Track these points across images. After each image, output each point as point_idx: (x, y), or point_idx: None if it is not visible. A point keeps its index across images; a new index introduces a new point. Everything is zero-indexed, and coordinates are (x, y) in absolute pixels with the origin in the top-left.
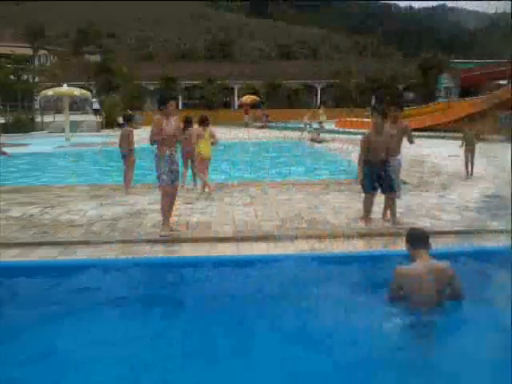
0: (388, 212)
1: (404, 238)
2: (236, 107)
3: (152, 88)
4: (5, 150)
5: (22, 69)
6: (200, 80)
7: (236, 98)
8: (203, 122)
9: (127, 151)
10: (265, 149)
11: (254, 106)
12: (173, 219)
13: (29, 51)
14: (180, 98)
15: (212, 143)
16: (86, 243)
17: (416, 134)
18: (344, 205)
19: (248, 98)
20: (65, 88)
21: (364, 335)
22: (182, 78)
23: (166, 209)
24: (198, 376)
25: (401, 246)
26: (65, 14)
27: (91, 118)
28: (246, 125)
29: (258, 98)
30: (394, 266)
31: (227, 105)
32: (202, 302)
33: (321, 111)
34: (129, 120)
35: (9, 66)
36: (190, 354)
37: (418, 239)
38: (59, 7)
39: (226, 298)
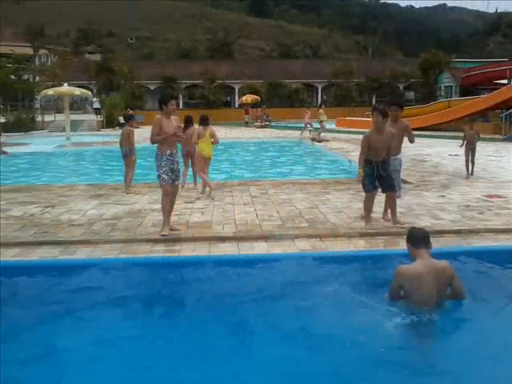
0: (388, 211)
1: (404, 238)
2: (236, 106)
3: (152, 87)
4: (5, 149)
5: (22, 68)
6: (200, 79)
7: (236, 98)
8: (204, 122)
9: (128, 150)
10: (265, 148)
11: (254, 105)
12: (173, 219)
13: (29, 51)
14: (180, 97)
15: (212, 143)
16: (87, 243)
17: (417, 133)
18: (344, 204)
19: (248, 98)
20: (65, 87)
21: (364, 334)
22: (182, 78)
23: (167, 208)
24: (198, 376)
25: (401, 245)
26: (65, 14)
27: (92, 118)
28: (247, 124)
29: (258, 98)
30: (394, 266)
31: (227, 104)
32: (202, 302)
33: (321, 111)
34: (129, 119)
35: (9, 65)
36: (190, 353)
37: (418, 239)
38: (60, 7)
39: (227, 298)
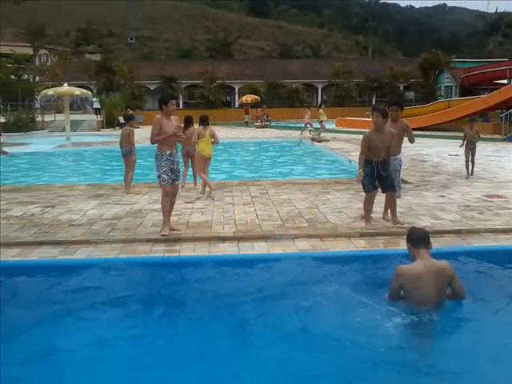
0: (388, 211)
1: (404, 238)
2: (236, 106)
3: (152, 87)
4: (5, 149)
5: (22, 68)
6: (200, 79)
7: (236, 98)
8: (204, 122)
9: (128, 150)
10: (265, 148)
11: (254, 105)
12: (173, 219)
13: (29, 51)
14: (180, 97)
15: (212, 143)
16: (87, 243)
17: (417, 133)
18: (344, 204)
19: (248, 98)
20: (65, 87)
21: (364, 334)
22: (182, 78)
23: (167, 208)
24: (198, 376)
25: (401, 245)
26: (65, 14)
27: (92, 118)
28: (247, 124)
29: (258, 98)
30: (394, 266)
31: (227, 104)
32: (202, 302)
33: (321, 111)
34: (129, 119)
35: (9, 65)
36: (190, 353)
37: (418, 239)
38: (60, 7)
39: (227, 298)
